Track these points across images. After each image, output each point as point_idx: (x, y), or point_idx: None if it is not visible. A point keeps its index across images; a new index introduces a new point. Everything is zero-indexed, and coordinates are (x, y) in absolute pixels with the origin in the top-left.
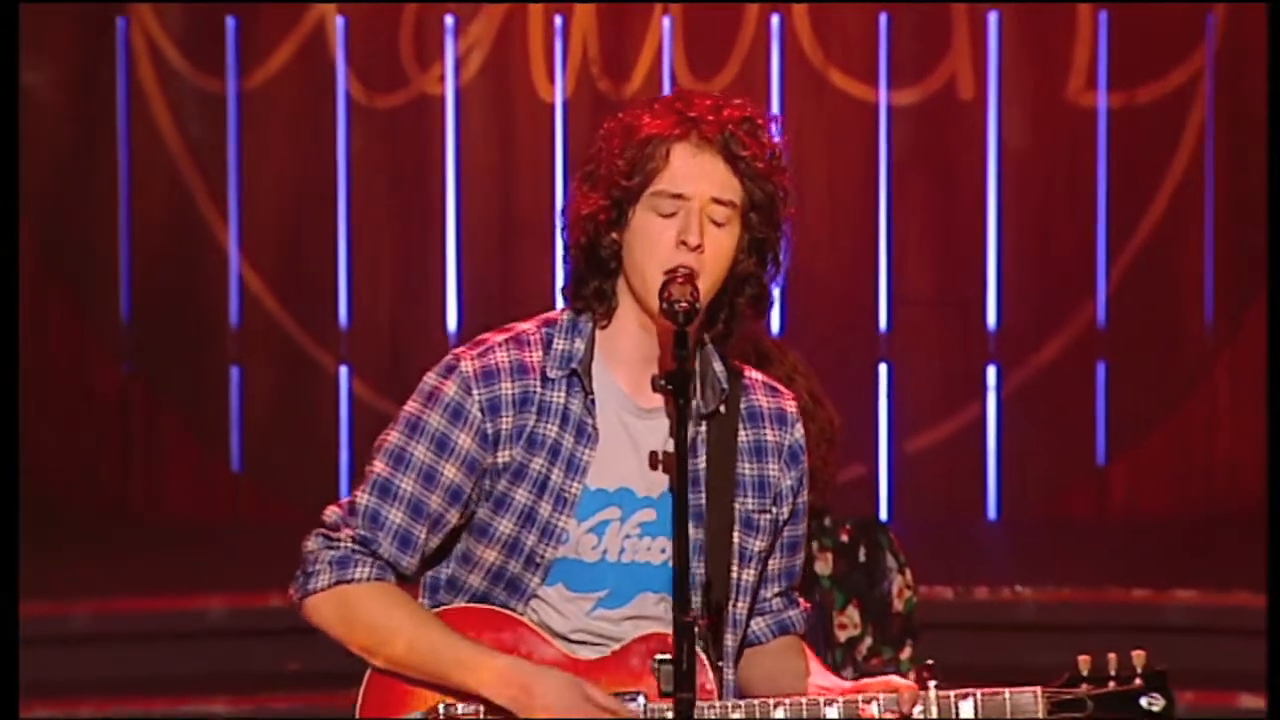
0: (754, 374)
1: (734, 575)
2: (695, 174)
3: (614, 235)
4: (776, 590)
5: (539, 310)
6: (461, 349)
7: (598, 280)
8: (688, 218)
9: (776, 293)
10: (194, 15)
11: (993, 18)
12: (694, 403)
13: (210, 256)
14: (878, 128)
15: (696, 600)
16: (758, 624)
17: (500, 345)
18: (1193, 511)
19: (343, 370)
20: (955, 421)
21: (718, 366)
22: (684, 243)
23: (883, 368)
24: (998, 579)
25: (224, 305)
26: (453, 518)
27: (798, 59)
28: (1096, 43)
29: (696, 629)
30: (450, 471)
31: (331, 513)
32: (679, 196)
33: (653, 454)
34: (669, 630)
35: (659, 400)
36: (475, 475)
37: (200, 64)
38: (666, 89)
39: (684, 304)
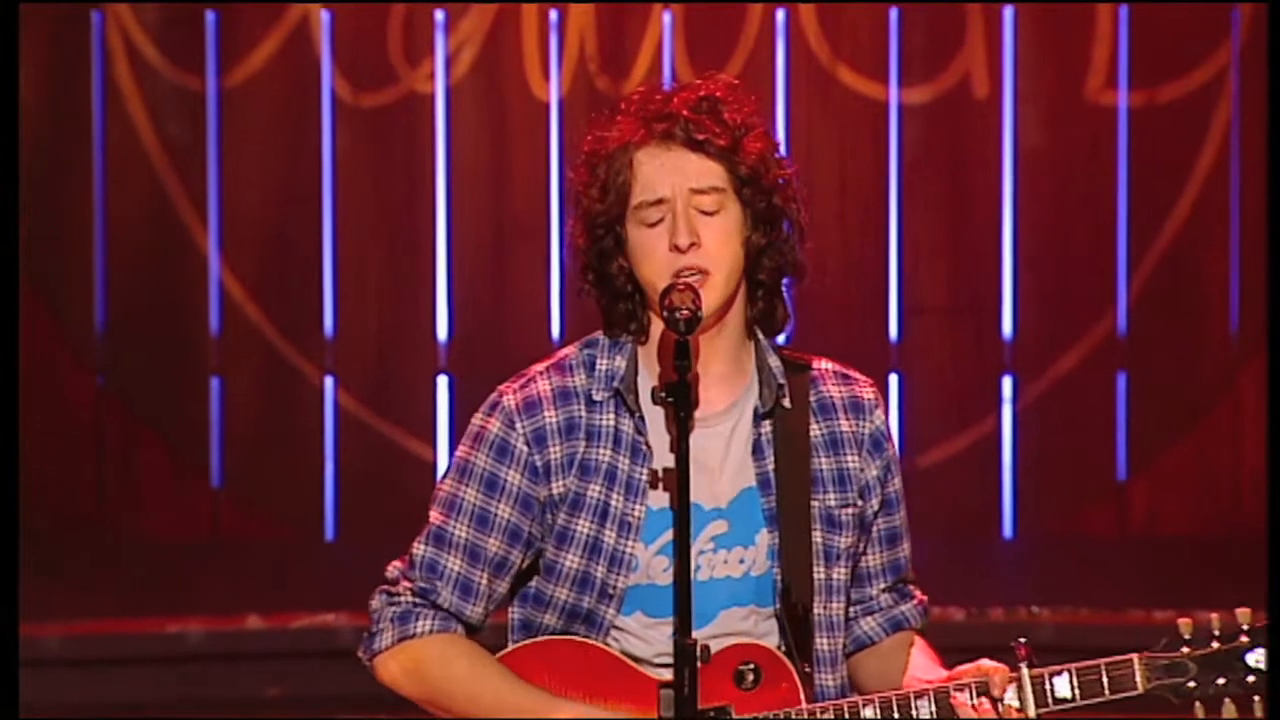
0: (824, 364)
1: (818, 576)
2: (665, 173)
3: (619, 261)
4: (883, 585)
5: (533, 319)
6: (505, 384)
7: (622, 304)
8: (674, 219)
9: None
10: (172, 10)
11: (1008, 12)
12: (752, 402)
13: (189, 262)
14: (888, 127)
15: (776, 606)
16: (869, 623)
17: (541, 374)
18: (1218, 529)
19: (327, 381)
20: (969, 435)
21: (773, 361)
22: (676, 246)
23: (893, 378)
24: (1013, 600)
25: (203, 313)
26: (516, 558)
27: (804, 56)
28: (1117, 39)
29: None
30: (504, 511)
31: (393, 569)
32: (659, 202)
33: (652, 472)
34: (754, 640)
35: (717, 404)
36: (532, 512)
37: (179, 61)
38: (667, 86)
39: (685, 312)
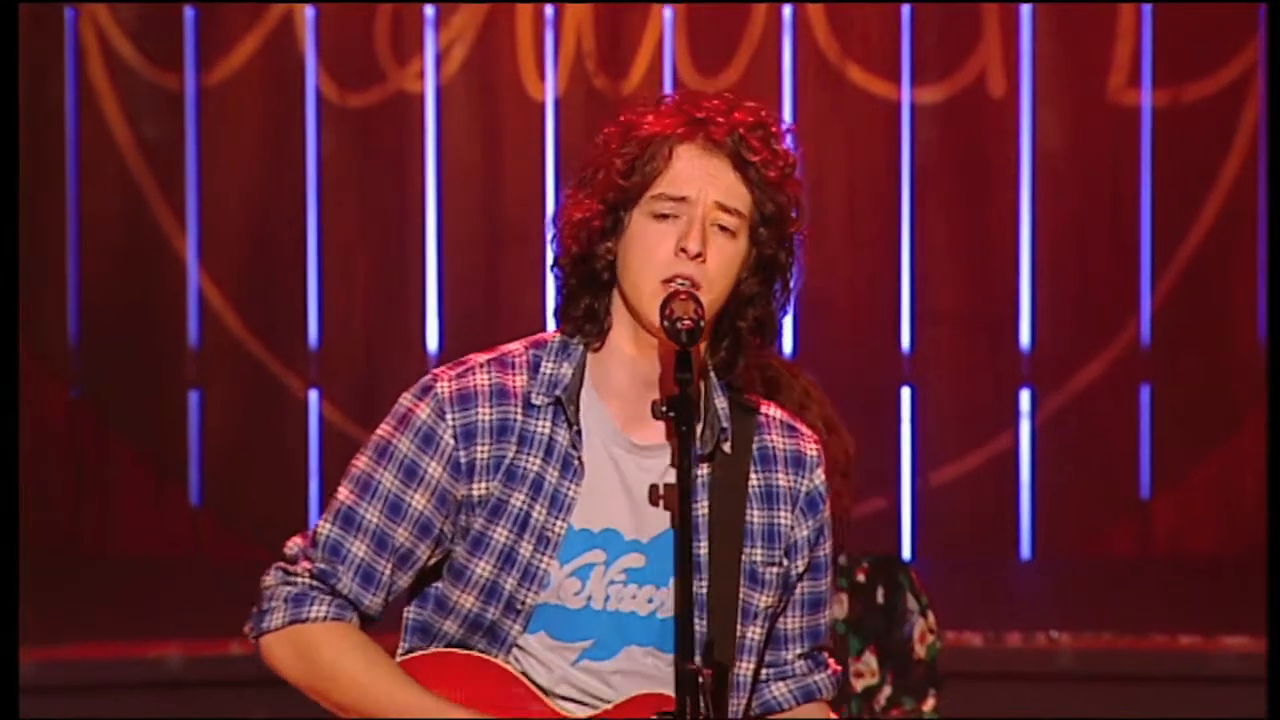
0: (773, 410)
1: (738, 633)
2: (700, 176)
3: (608, 244)
4: (799, 651)
5: (527, 328)
6: (441, 369)
7: (589, 297)
8: (689, 223)
9: (786, 321)
10: (149, 6)
11: (1026, 8)
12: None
13: (167, 269)
14: (900, 128)
15: (697, 659)
16: (779, 689)
17: (481, 366)
18: (1246, 549)
19: (312, 394)
20: (985, 450)
21: (720, 402)
22: (684, 250)
23: (905, 391)
24: (1031, 624)
25: (182, 323)
26: (423, 553)
27: (812, 53)
28: (1140, 36)
29: (701, 682)
30: (419, 502)
31: (293, 544)
32: (681, 199)
33: (653, 487)
34: (666, 689)
35: (654, 436)
36: (447, 508)
37: (156, 59)
38: (668, 86)
39: (687, 321)
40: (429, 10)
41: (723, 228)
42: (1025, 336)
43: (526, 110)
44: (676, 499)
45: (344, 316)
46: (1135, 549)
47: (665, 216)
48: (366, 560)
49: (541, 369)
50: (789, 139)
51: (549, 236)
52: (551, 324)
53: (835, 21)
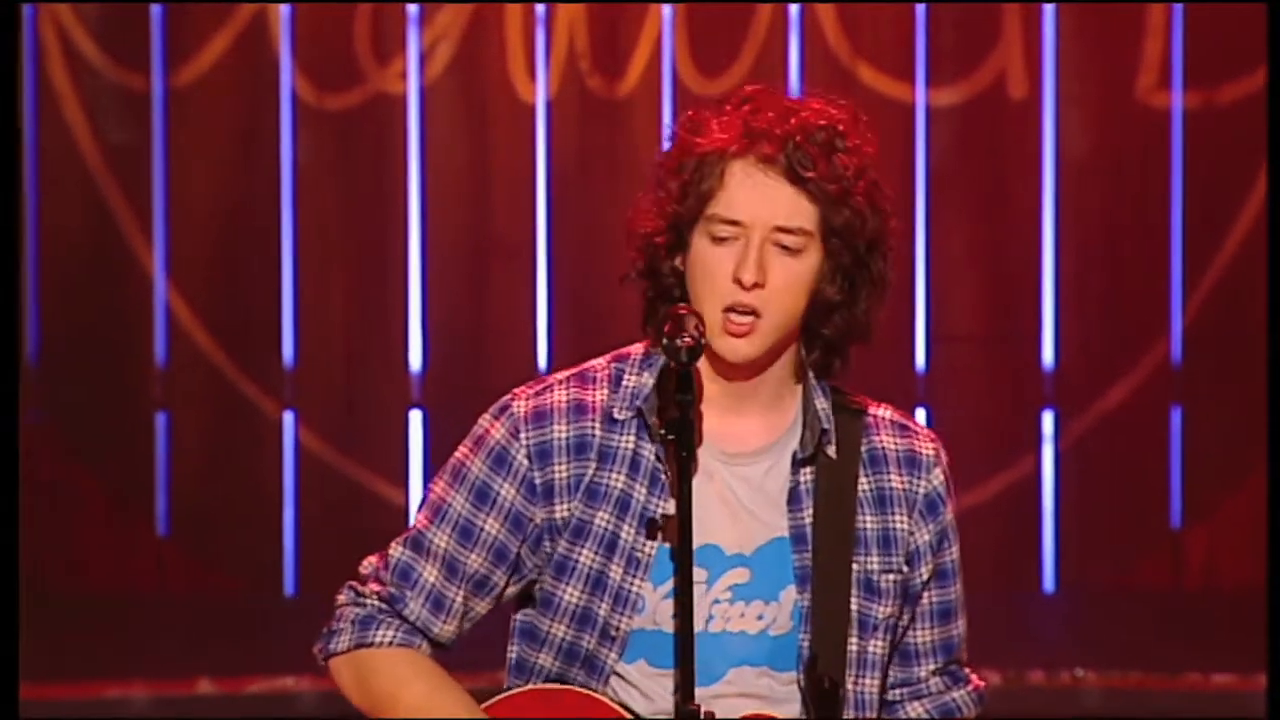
0: (881, 410)
1: (852, 647)
2: (754, 199)
3: (673, 261)
4: (933, 667)
5: (518, 347)
6: (520, 387)
7: (666, 306)
8: (746, 250)
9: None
10: (113, 4)
11: (1049, 5)
12: (792, 446)
13: (131, 283)
14: (914, 132)
15: (798, 676)
16: (915, 709)
17: (561, 383)
18: None
19: (287, 417)
20: (1005, 477)
21: (821, 403)
22: (739, 280)
23: (920, 413)
24: (1055, 661)
25: (147, 341)
26: (499, 580)
27: (820, 52)
28: (1171, 33)
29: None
30: (491, 526)
31: (368, 564)
32: (735, 223)
33: (651, 521)
34: (774, 709)
35: (751, 443)
36: (523, 532)
37: (121, 58)
38: (667, 87)
39: (687, 339)
40: (412, 7)
41: (786, 248)
42: (1048, 355)
43: (516, 113)
44: (676, 529)
45: (321, 334)
46: (1166, 582)
47: (723, 240)
48: (437, 586)
49: (624, 382)
50: (860, 135)
51: (629, 241)
52: (542, 337)
53: (845, 18)
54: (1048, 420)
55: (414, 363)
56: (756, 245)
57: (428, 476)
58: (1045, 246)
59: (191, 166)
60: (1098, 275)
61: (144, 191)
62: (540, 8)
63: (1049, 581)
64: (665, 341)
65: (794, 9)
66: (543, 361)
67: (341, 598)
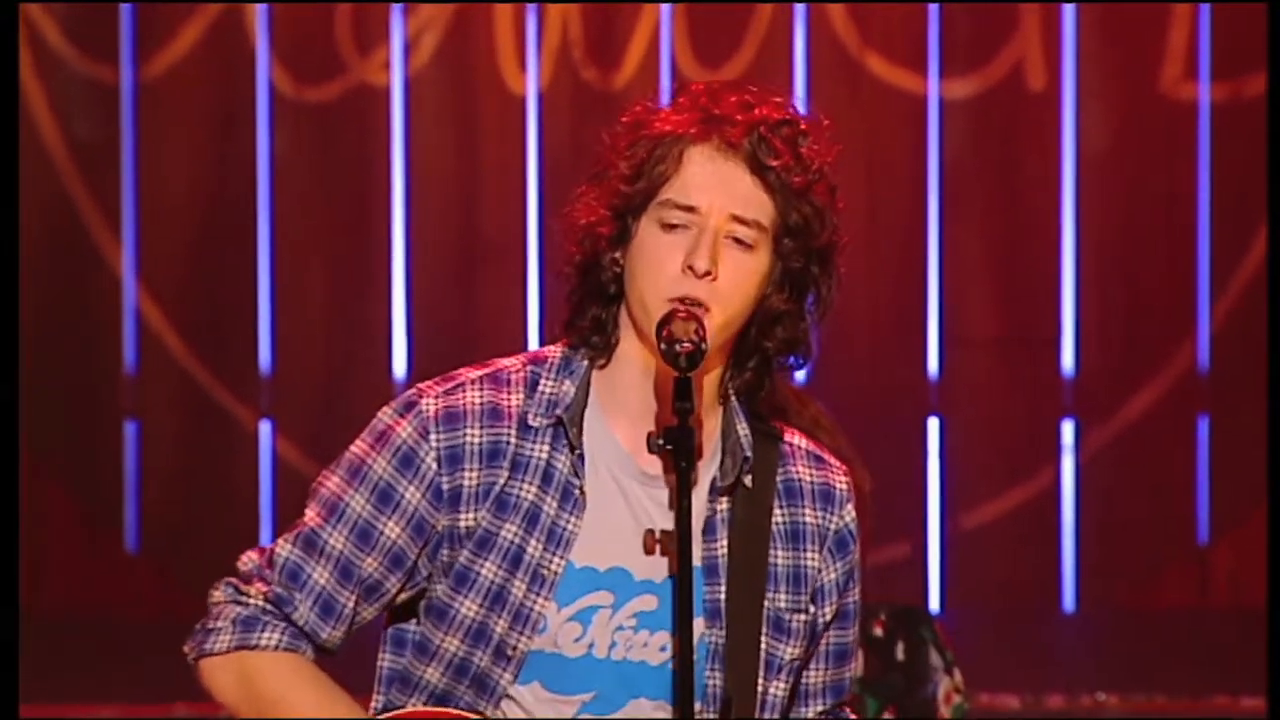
0: (797, 439)
1: (759, 688)
2: (712, 184)
3: (614, 254)
4: (821, 707)
5: (506, 351)
6: (427, 384)
7: (596, 308)
8: (699, 237)
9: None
10: None
11: None
12: (711, 473)
13: (99, 284)
14: (926, 126)
15: (711, 716)
16: None
17: (473, 383)
18: None
19: (264, 426)
20: (1022, 489)
21: (743, 429)
22: (691, 268)
23: (933, 422)
24: (1075, 684)
25: (116, 346)
26: (392, 586)
27: (828, 42)
28: (1197, 22)
29: None
30: (391, 530)
31: (248, 560)
32: (690, 209)
33: (648, 533)
34: None
35: (671, 465)
36: (423, 538)
37: (89, 49)
38: (666, 78)
39: (687, 344)
40: None
41: (739, 240)
42: (1068, 361)
43: (506, 105)
44: (676, 544)
45: (300, 338)
46: (1192, 600)
47: (674, 227)
48: (328, 590)
49: (540, 387)
50: (822, 138)
51: (561, 235)
52: (535, 342)
53: (854, 5)
54: (1067, 430)
55: (398, 369)
56: (710, 233)
57: None
58: (1065, 246)
59: (163, 162)
60: (1120, 277)
61: (113, 188)
62: None
63: (1068, 600)
64: (664, 347)
65: None
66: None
67: (218, 594)
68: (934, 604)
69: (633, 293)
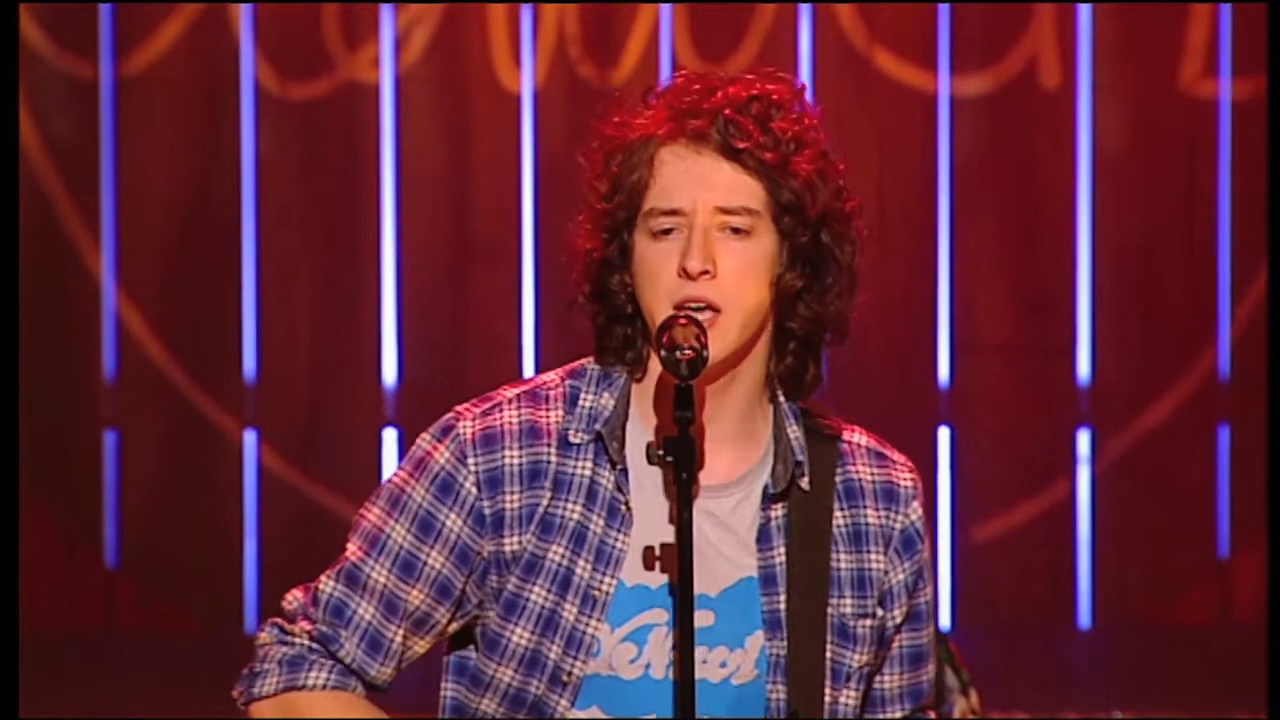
0: (857, 436)
1: (828, 697)
2: (689, 181)
3: (619, 276)
4: (899, 715)
5: (501, 357)
6: (465, 405)
7: (620, 327)
8: (689, 237)
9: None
10: None
11: None
12: (763, 479)
13: (77, 288)
14: (936, 124)
15: None
16: None
17: (510, 402)
18: None
19: (248, 436)
20: (1036, 501)
21: (793, 431)
22: (685, 270)
23: (943, 432)
24: (1092, 703)
25: (95, 352)
26: (442, 617)
27: (834, 37)
28: (1218, 16)
29: None
30: (435, 560)
31: (292, 599)
32: (674, 212)
33: (648, 549)
34: None
35: (718, 473)
36: (469, 566)
37: (67, 43)
38: (665, 75)
39: (688, 352)
40: None
41: (735, 230)
42: (1083, 368)
43: (500, 103)
44: (676, 559)
45: (286, 345)
46: (1212, 616)
47: (664, 233)
48: (374, 625)
49: (580, 401)
50: (799, 103)
51: (567, 271)
52: (530, 347)
53: (863, 2)
54: (1083, 439)
55: (388, 376)
56: (700, 231)
57: None
58: (1080, 248)
59: (143, 161)
60: (1138, 280)
61: (91, 189)
62: None
63: (1084, 616)
64: (664, 354)
65: None
66: (529, 374)
67: (264, 636)
68: (944, 619)
69: (643, 308)
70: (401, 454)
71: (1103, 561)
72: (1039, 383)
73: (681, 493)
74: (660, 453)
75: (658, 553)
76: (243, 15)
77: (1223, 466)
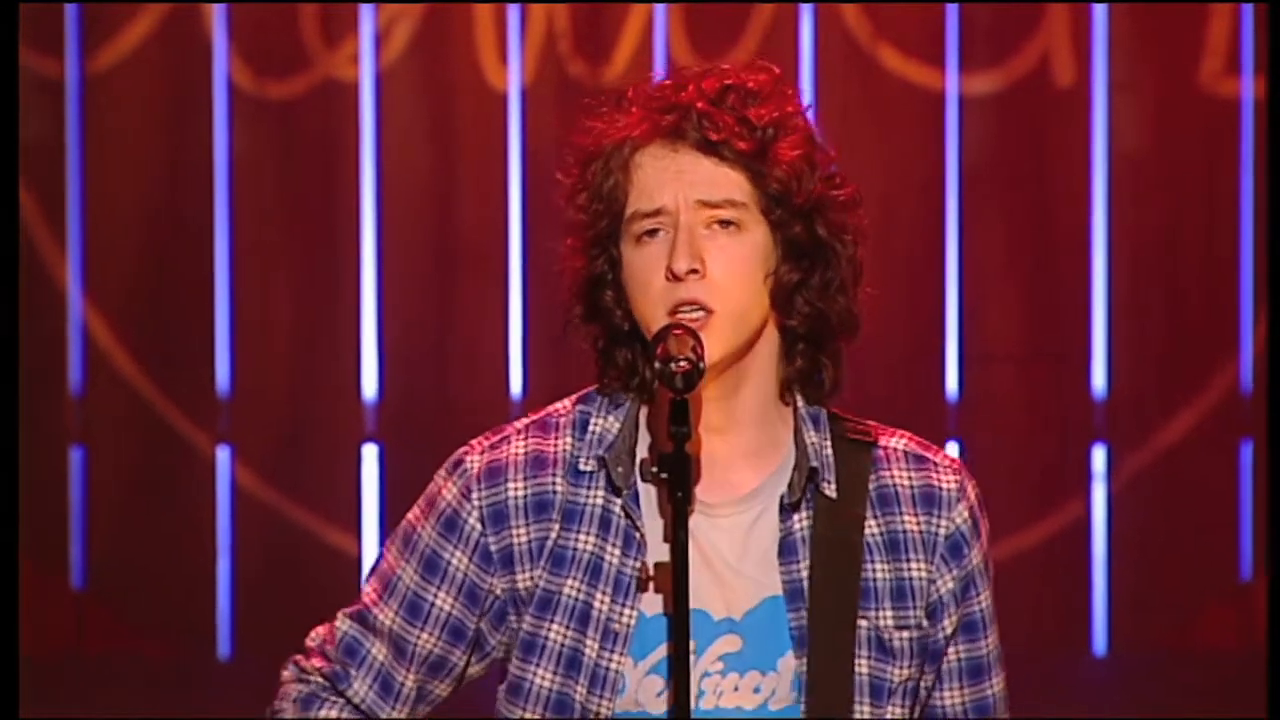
0: (895, 441)
1: (864, 716)
2: (667, 179)
3: (610, 292)
4: None
5: (488, 369)
6: (477, 439)
7: (622, 350)
8: (674, 237)
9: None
10: None
11: None
12: (779, 489)
13: (42, 297)
14: (945, 124)
15: None
16: None
17: (519, 433)
18: None
19: (221, 452)
20: (1049, 521)
21: (810, 436)
22: (672, 272)
23: (952, 446)
24: None
25: (61, 364)
26: (459, 661)
27: (838, 34)
28: (1239, 11)
29: None
30: (442, 601)
31: (314, 635)
32: (655, 213)
33: (642, 566)
34: None
35: (734, 488)
36: (481, 607)
37: (32, 40)
38: (659, 74)
39: (684, 363)
40: None
41: (723, 224)
42: (1098, 380)
43: (486, 102)
44: (670, 579)
45: (261, 356)
46: (1234, 641)
47: (649, 235)
48: (385, 667)
49: (591, 427)
50: (777, 89)
51: (561, 295)
52: (518, 357)
53: None
54: (1099, 455)
55: (368, 390)
56: (685, 229)
57: (383, 521)
58: (1095, 254)
59: (112, 163)
60: (1156, 288)
61: (57, 192)
62: None
63: (1099, 642)
64: (658, 366)
65: None
66: (516, 388)
67: (285, 674)
68: None
69: (638, 320)
70: (382, 471)
71: (1119, 584)
72: (1052, 395)
73: (677, 511)
74: (655, 470)
75: (651, 572)
76: (216, 10)
77: (1245, 484)
